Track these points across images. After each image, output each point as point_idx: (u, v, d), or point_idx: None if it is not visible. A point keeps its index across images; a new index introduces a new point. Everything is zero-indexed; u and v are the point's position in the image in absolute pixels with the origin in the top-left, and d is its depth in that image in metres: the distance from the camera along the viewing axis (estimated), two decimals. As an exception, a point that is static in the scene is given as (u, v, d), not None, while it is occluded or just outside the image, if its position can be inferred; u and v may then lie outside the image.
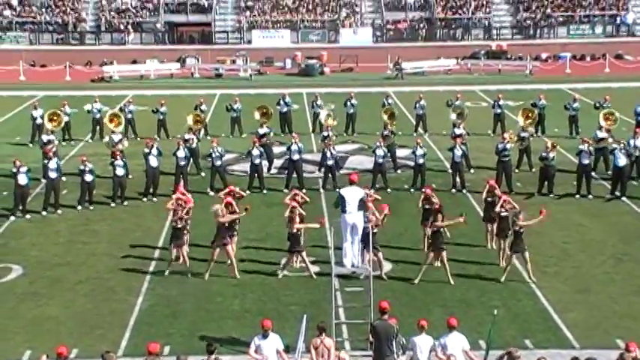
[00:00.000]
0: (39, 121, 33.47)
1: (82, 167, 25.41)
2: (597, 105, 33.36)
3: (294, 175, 26.96)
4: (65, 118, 33.38)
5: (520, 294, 18.87)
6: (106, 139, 29.21)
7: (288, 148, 27.29)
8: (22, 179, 24.51)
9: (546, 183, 26.12)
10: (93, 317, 17.90)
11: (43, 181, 26.10)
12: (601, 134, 28.48)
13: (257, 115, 32.21)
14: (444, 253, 19.31)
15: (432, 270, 19.72)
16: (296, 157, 26.93)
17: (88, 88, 47.97)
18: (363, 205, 16.78)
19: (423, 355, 14.02)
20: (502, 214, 20.24)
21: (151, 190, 26.24)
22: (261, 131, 29.55)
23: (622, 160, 25.85)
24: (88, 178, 25.38)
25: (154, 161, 26.31)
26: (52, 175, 25.14)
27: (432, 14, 62.00)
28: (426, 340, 14.15)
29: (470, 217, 22.20)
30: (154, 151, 26.37)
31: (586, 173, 26.10)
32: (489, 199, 21.37)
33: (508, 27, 61.85)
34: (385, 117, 31.55)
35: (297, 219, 19.50)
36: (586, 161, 26.06)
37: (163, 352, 15.65)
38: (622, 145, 26.13)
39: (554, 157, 25.99)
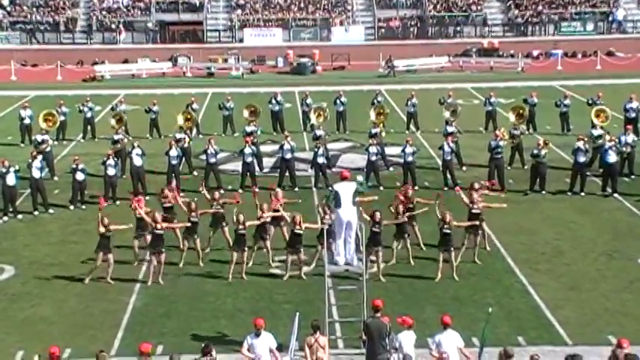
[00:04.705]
0: (27, 121, 33.41)
1: (73, 166, 25.39)
2: (590, 102, 33.40)
3: (287, 174, 27.01)
4: (61, 118, 33.40)
5: (513, 291, 18.91)
6: (119, 136, 29.25)
7: (280, 147, 27.32)
8: (11, 179, 24.44)
9: (538, 180, 26.18)
10: (85, 317, 17.87)
11: (31, 181, 26.03)
12: (597, 132, 28.53)
13: (246, 114, 32.30)
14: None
15: (425, 268, 19.75)
16: (288, 156, 26.96)
17: (80, 87, 47.85)
18: (356, 199, 16.70)
19: (405, 349, 14.07)
20: (473, 210, 20.25)
21: (141, 190, 26.20)
22: (248, 129, 29.75)
23: (612, 157, 25.90)
24: (80, 177, 25.34)
25: (137, 160, 26.31)
26: (35, 174, 25.01)
27: (424, 12, 62.02)
28: (409, 336, 14.20)
29: (461, 215, 22.23)
30: (137, 150, 26.36)
31: (581, 171, 26.11)
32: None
33: (500, 24, 61.92)
34: (373, 115, 31.59)
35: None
36: (582, 159, 26.01)
37: (156, 352, 15.66)
38: (613, 143, 26.16)
39: (545, 154, 26.03)
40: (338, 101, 35.10)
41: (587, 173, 27.19)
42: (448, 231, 19.27)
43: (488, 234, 21.66)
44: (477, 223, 20.14)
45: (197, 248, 20.39)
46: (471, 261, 20.09)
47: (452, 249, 19.34)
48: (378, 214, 19.22)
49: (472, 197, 20.60)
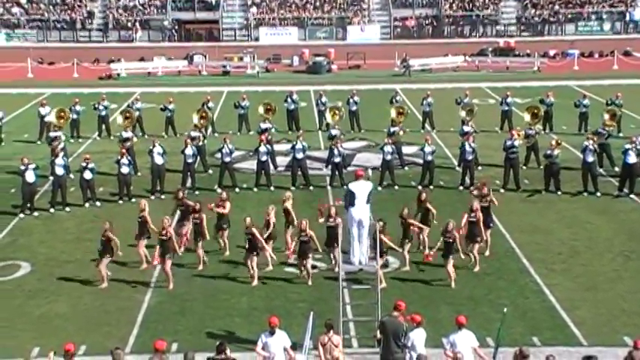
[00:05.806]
0: (47, 118, 33.55)
1: (83, 164, 25.44)
2: (609, 102, 33.23)
3: (300, 173, 27.02)
4: (74, 116, 33.53)
5: (528, 291, 18.84)
6: (129, 133, 29.30)
7: (292, 147, 27.27)
8: (30, 176, 24.60)
9: (552, 180, 26.08)
10: (101, 314, 17.94)
11: (51, 178, 26.12)
12: (600, 130, 28.41)
13: (261, 110, 32.40)
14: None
15: (440, 269, 19.69)
16: (300, 155, 26.91)
17: (96, 85, 48.03)
18: (370, 199, 16.62)
19: (418, 348, 14.04)
20: (470, 219, 19.86)
21: (158, 188, 26.29)
22: (263, 126, 29.88)
23: (632, 158, 25.74)
24: (87, 175, 25.35)
25: (158, 159, 26.40)
26: (59, 171, 25.21)
27: (440, 11, 61.95)
28: (420, 334, 14.16)
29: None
30: (158, 149, 26.44)
31: (590, 170, 26.02)
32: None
33: (516, 24, 61.73)
34: (394, 114, 31.53)
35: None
36: (590, 159, 25.96)
37: (171, 349, 15.71)
38: (634, 144, 26.00)
39: (558, 155, 25.92)
40: (351, 100, 35.08)
41: (603, 173, 27.06)
42: (449, 240, 19.07)
43: (490, 238, 21.48)
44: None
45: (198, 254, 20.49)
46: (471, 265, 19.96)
47: (451, 257, 19.05)
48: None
49: (473, 205, 20.25)
